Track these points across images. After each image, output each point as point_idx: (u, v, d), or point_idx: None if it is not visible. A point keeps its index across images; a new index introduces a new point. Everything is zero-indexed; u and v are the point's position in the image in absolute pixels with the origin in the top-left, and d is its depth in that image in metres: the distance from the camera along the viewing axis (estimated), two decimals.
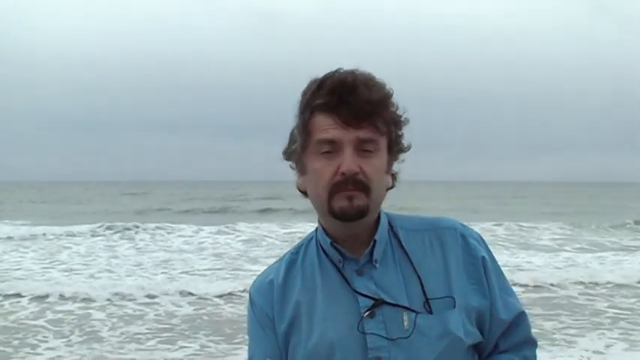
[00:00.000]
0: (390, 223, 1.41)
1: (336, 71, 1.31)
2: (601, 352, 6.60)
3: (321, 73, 1.33)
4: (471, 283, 1.38)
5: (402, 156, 1.40)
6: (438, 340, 1.31)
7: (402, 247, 1.38)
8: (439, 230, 1.42)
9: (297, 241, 1.50)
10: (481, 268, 1.40)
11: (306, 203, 1.40)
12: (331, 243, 1.37)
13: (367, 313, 1.32)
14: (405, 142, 1.38)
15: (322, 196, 1.31)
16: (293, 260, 1.44)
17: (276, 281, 1.42)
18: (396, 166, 1.40)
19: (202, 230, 18.46)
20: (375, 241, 1.36)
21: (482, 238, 1.46)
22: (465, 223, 1.47)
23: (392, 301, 1.32)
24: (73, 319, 8.19)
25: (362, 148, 1.29)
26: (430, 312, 1.32)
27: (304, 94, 1.34)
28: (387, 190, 1.38)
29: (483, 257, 1.41)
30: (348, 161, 1.27)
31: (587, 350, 6.63)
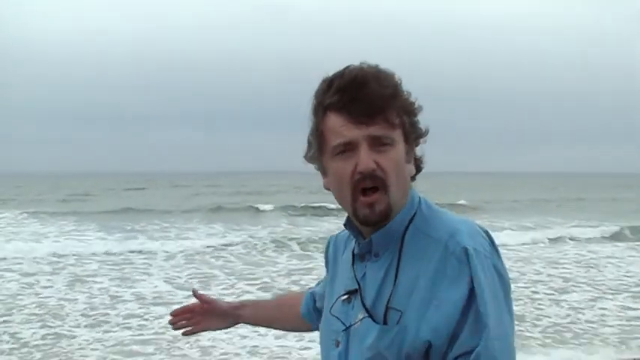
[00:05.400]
0: (411, 219, 1.34)
1: (345, 69, 1.31)
2: None
3: (329, 71, 1.32)
4: (430, 311, 1.23)
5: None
6: (367, 350, 1.30)
7: (401, 248, 1.33)
8: (429, 238, 1.30)
9: None
10: (459, 307, 1.21)
11: None
12: (344, 224, 1.43)
13: (344, 297, 1.40)
14: (422, 127, 1.36)
15: (346, 198, 1.33)
16: None
17: (333, 240, 1.61)
18: (419, 150, 1.38)
19: None
20: (371, 239, 1.35)
21: (479, 255, 1.24)
22: (478, 232, 1.30)
23: (361, 294, 1.35)
24: None
25: (377, 144, 1.28)
26: (384, 322, 1.28)
27: (316, 95, 1.34)
28: (413, 177, 1.37)
29: (471, 289, 1.21)
30: (364, 159, 1.27)
31: None
